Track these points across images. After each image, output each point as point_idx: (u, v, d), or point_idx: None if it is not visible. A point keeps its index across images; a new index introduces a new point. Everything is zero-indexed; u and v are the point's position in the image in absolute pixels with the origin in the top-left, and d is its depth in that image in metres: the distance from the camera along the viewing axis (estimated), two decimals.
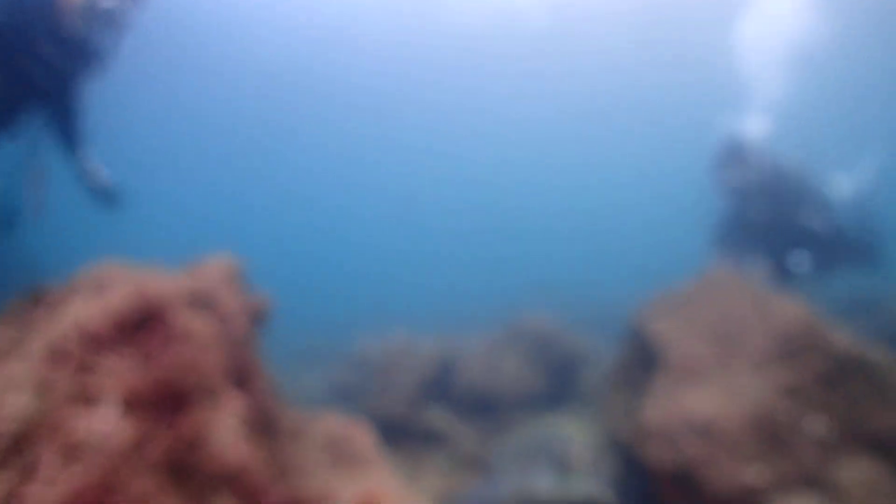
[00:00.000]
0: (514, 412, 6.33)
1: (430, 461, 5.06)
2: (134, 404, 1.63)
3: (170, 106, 30.80)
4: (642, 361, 4.36)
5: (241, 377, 2.60)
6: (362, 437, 3.35)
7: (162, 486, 1.53)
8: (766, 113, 7.63)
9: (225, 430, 1.92)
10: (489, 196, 44.90)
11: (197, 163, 39.17)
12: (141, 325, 2.00)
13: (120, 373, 1.68)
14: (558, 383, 6.79)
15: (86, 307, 2.05)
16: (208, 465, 1.75)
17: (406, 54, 28.28)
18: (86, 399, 1.63)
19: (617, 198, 41.70)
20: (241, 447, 1.88)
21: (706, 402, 3.46)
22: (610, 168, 40.73)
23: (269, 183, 43.04)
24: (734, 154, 5.93)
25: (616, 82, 29.96)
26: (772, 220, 5.86)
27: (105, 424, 1.53)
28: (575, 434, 4.89)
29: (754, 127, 7.13)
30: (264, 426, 2.69)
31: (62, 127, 5.59)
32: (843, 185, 7.52)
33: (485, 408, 6.44)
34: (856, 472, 3.46)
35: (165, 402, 1.69)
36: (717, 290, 4.23)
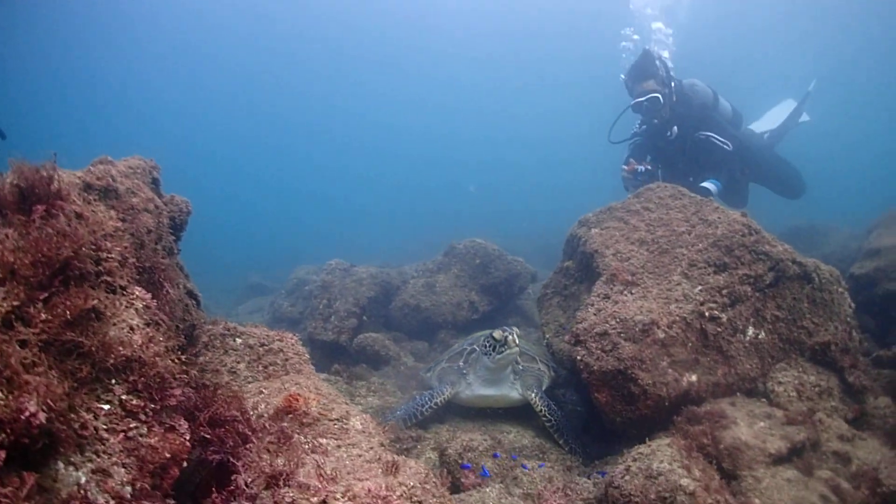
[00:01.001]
0: (454, 330, 6.33)
1: (369, 380, 5.02)
2: (7, 278, 1.47)
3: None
4: (579, 271, 4.34)
5: (152, 277, 2.44)
6: (291, 348, 3.25)
7: (36, 364, 1.38)
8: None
9: (122, 319, 1.78)
10: (435, 130, 44.54)
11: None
12: (26, 209, 1.81)
13: None
14: (498, 302, 6.79)
15: None
16: (100, 351, 1.61)
17: None
18: None
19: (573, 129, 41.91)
20: (139, 339, 1.75)
21: (643, 306, 3.44)
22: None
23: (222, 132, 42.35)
24: (644, 68, 5.85)
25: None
26: (680, 138, 5.83)
27: None
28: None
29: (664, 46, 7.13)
30: (178, 329, 2.55)
31: None
32: (765, 119, 7.65)
33: (424, 328, 6.42)
34: (795, 379, 3.54)
35: (45, 279, 1.53)
36: (654, 200, 4.20)
